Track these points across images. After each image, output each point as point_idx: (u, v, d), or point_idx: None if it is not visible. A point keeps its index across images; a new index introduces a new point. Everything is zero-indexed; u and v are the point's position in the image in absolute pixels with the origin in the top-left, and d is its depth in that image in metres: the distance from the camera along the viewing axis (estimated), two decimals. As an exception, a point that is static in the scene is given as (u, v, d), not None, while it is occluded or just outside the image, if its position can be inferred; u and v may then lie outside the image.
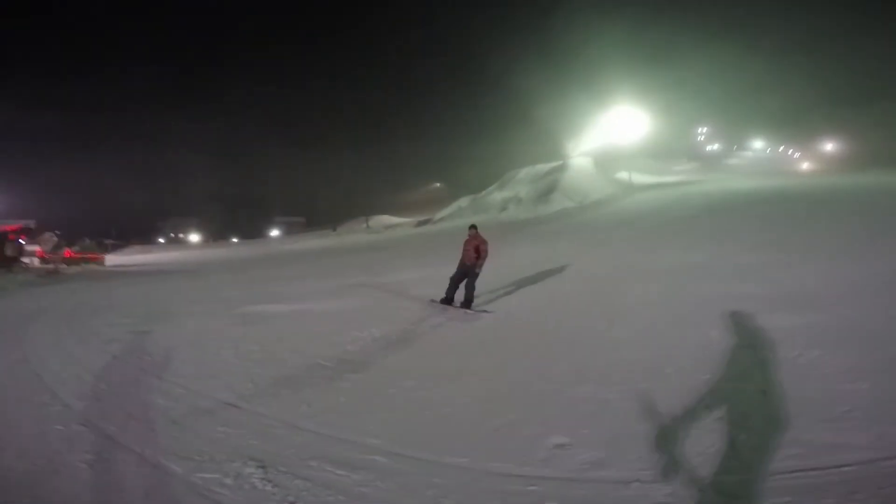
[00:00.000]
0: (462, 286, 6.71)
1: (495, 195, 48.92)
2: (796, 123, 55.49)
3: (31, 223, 26.58)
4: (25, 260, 25.62)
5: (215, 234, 73.13)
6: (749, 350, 4.08)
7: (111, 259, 34.94)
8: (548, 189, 41.86)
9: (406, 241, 29.88)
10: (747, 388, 3.39)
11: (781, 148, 59.61)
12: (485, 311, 6.43)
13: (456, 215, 46.14)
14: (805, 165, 47.28)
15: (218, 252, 42.63)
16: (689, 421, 2.99)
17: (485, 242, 6.71)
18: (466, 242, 6.83)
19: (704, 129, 64.15)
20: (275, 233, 71.05)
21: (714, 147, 62.64)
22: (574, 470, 2.60)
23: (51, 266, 25.80)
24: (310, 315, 7.26)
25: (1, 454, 2.96)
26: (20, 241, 26.05)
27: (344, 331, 5.86)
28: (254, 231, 71.84)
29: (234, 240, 65.89)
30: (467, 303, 6.53)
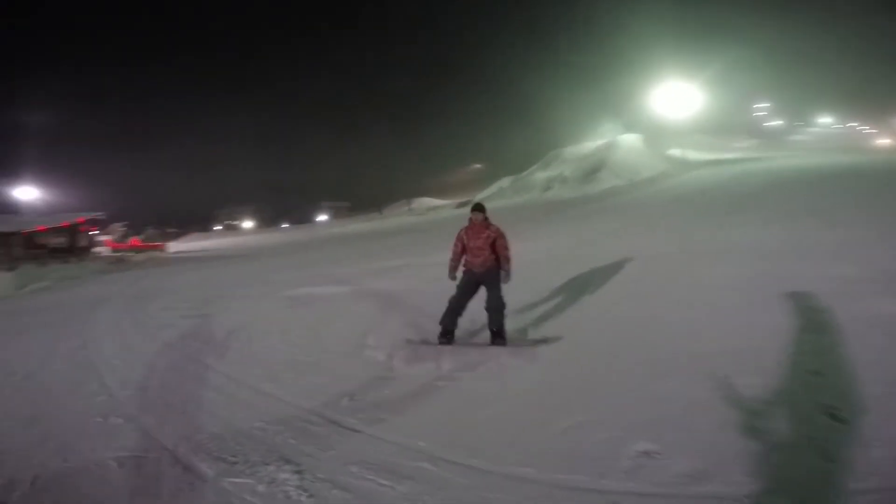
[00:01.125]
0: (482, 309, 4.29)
1: (538, 175, 47.48)
2: (869, 96, 49.26)
3: (101, 215, 28.57)
4: (96, 249, 27.64)
5: (267, 220, 76.15)
6: (864, 341, 3.34)
7: (173, 246, 37.10)
8: (595, 167, 40.25)
9: (447, 222, 29.48)
10: (872, 388, 2.73)
11: (852, 123, 53.52)
12: (537, 342, 4.21)
13: (497, 196, 45.22)
14: (880, 142, 41.60)
15: (269, 237, 44.26)
16: (804, 425, 2.43)
17: (501, 236, 4.30)
18: (469, 234, 4.34)
19: (764, 105, 58.60)
20: (322, 217, 72.88)
21: (775, 123, 57.13)
22: (667, 484, 2.12)
23: (119, 254, 27.71)
24: (357, 297, 7.05)
25: (40, 448, 2.88)
26: (91, 232, 28.10)
27: (391, 315, 5.56)
28: (302, 216, 74.08)
29: (285, 225, 68.28)
30: (499, 335, 4.21)
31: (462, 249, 4.37)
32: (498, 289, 4.25)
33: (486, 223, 4.33)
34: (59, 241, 26.40)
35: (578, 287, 5.85)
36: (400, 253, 14.16)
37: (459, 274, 4.44)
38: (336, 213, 74.55)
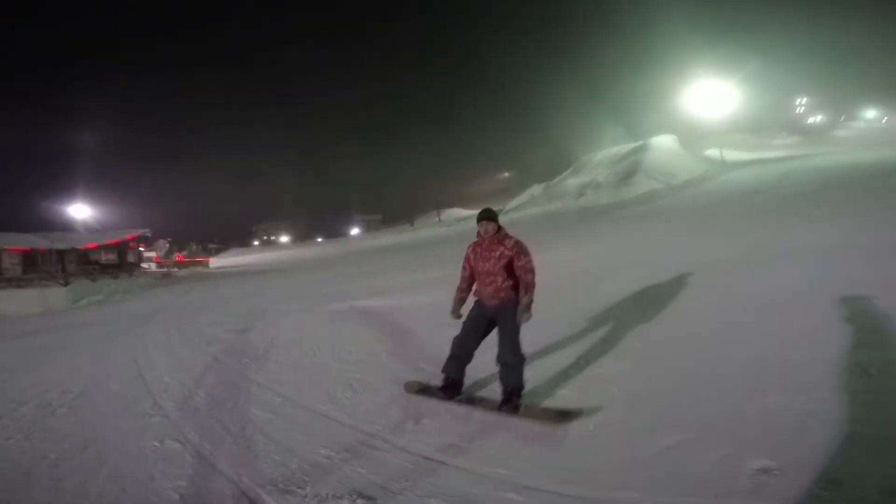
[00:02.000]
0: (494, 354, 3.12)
1: (570, 181, 46.55)
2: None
3: (147, 231, 29.76)
4: (144, 265, 28.74)
5: (302, 234, 77.94)
6: None
7: (215, 261, 38.31)
8: (629, 171, 39.07)
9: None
10: None
11: (900, 116, 49.88)
12: (564, 413, 2.88)
13: (528, 204, 44.56)
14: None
15: (305, 251, 45.11)
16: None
17: (522, 253, 3.12)
18: (476, 252, 3.28)
19: (804, 100, 55.55)
20: (355, 231, 73.95)
21: (817, 119, 54.02)
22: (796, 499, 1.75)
23: (164, 269, 28.71)
24: (399, 311, 6.82)
25: (97, 475, 2.68)
26: (139, 248, 29.28)
27: (439, 330, 5.24)
28: (335, 230, 75.38)
29: (319, 239, 69.60)
30: (512, 396, 3.02)
31: (471, 274, 3.32)
32: (513, 331, 3.03)
33: (500, 237, 3.18)
34: (109, 257, 27.61)
35: (636, 297, 5.39)
36: (435, 265, 13.95)
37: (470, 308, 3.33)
38: (368, 226, 75.50)
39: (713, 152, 37.80)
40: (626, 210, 23.09)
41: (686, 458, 2.23)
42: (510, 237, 3.24)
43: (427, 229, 51.00)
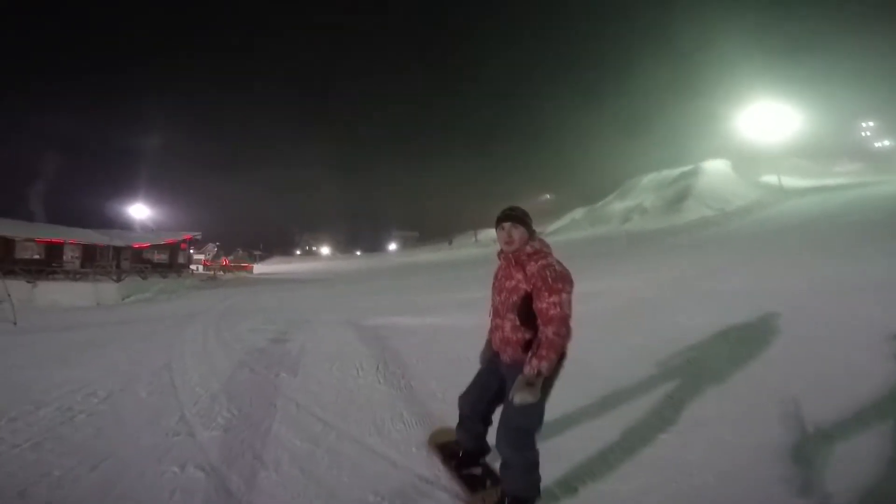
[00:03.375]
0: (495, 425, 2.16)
1: (615, 205, 45.13)
2: None
3: (198, 235, 30.81)
4: (192, 267, 29.65)
5: (342, 247, 79.37)
6: None
7: (258, 268, 39.23)
8: (679, 196, 37.46)
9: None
10: None
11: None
12: None
13: (570, 228, 43.40)
14: None
15: (345, 264, 45.57)
16: None
17: (552, 288, 1.92)
18: (498, 275, 2.27)
19: (870, 124, 51.57)
20: (392, 246, 74.55)
21: (884, 143, 49.96)
22: None
23: (211, 272, 29.49)
24: (442, 332, 6.28)
25: (100, 499, 2.21)
26: (190, 250, 30.30)
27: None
28: (374, 244, 76.35)
29: (358, 253, 70.55)
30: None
31: None
32: (517, 413, 1.95)
33: (525, 254, 2.06)
34: (161, 256, 28.67)
35: (717, 333, 4.56)
36: (475, 284, 13.40)
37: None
38: (405, 243, 75.98)
39: (770, 178, 35.58)
40: (677, 237, 21.81)
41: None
42: (539, 255, 2.04)
43: (464, 249, 50.58)
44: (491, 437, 2.26)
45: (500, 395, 2.17)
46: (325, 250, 78.94)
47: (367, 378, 4.25)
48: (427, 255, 49.51)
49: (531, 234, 2.13)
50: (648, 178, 47.48)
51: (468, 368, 2.40)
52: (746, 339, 4.34)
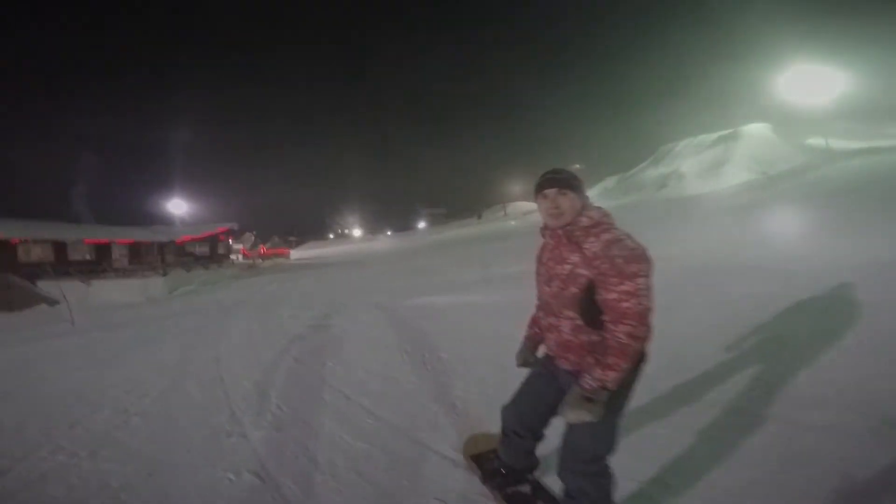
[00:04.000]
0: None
1: (649, 172, 43.40)
2: None
3: (235, 225, 31.62)
4: (232, 256, 30.60)
5: (373, 228, 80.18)
6: None
7: (294, 253, 40.16)
8: (718, 161, 35.81)
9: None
10: None
11: None
12: None
13: (602, 197, 41.94)
14: None
15: (376, 244, 46.01)
16: None
17: (625, 271, 1.42)
18: (542, 258, 1.74)
19: None
20: (421, 224, 74.61)
21: None
22: None
23: (250, 261, 30.38)
24: (482, 310, 6.12)
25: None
26: (229, 241, 31.22)
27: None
28: (403, 224, 76.62)
29: (389, 233, 71.07)
30: None
31: None
32: (585, 434, 1.57)
33: (579, 229, 1.58)
34: (202, 249, 29.67)
35: (795, 305, 4.08)
36: (508, 258, 13.12)
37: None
38: (433, 220, 75.79)
39: (816, 141, 33.15)
40: (720, 202, 20.72)
41: None
42: (601, 228, 1.56)
43: (493, 223, 50.00)
44: (540, 451, 1.98)
45: (555, 407, 1.67)
46: (356, 232, 80.00)
47: (413, 364, 4.08)
48: (456, 230, 49.32)
49: (585, 202, 1.63)
50: (684, 144, 45.37)
51: (514, 347, 2.10)
52: (827, 311, 3.90)
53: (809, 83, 35.06)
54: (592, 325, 1.53)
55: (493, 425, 2.24)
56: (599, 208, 1.63)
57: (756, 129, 39.22)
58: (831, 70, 35.15)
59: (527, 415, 1.87)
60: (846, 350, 3.05)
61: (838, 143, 31.54)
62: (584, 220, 1.58)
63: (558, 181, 1.61)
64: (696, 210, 19.58)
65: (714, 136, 42.41)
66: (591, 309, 1.52)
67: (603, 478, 1.61)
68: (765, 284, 4.98)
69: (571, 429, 1.60)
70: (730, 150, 36.65)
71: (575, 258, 1.55)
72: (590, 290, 1.51)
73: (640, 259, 1.44)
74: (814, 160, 27.30)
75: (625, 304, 1.42)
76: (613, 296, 1.44)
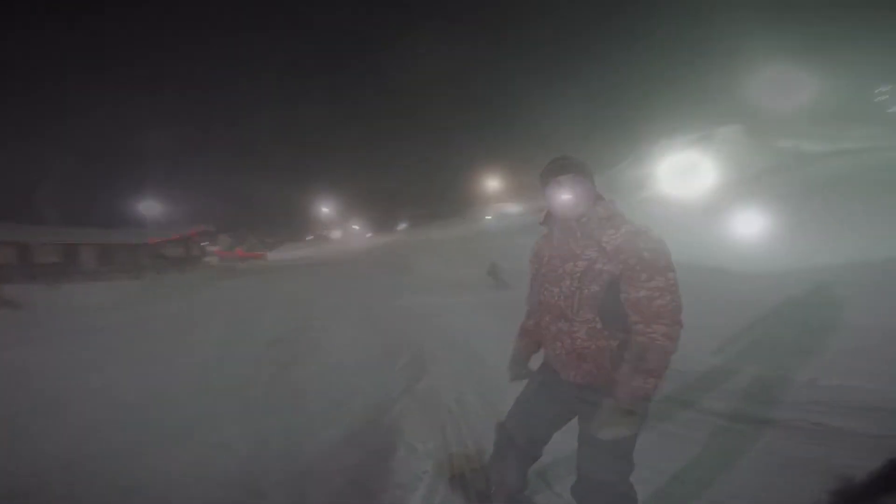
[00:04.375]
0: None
1: (627, 173, 44.42)
2: None
3: (210, 226, 30.80)
4: (207, 259, 29.82)
5: (352, 228, 79.39)
6: None
7: (271, 255, 39.43)
8: (693, 162, 36.78)
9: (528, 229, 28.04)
10: None
11: None
12: None
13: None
14: None
15: (357, 245, 45.55)
16: None
17: (652, 267, 1.34)
18: (543, 256, 1.62)
19: (886, 89, 49.56)
20: (403, 225, 74.29)
21: None
22: None
23: (226, 263, 29.67)
24: (481, 309, 6.09)
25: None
26: (202, 243, 30.42)
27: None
28: (384, 224, 76.11)
29: (368, 235, 70.48)
30: None
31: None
32: (605, 447, 1.39)
33: (594, 221, 1.46)
34: (176, 251, 28.81)
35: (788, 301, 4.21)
36: (483, 261, 13.22)
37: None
38: (414, 220, 75.58)
39: (787, 143, 34.73)
40: (696, 203, 21.26)
41: None
42: (620, 220, 1.46)
43: (475, 223, 50.18)
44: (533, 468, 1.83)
45: (557, 423, 1.61)
46: (336, 234, 79.09)
47: (414, 370, 4.02)
48: (440, 231, 49.32)
49: (590, 194, 1.49)
50: (660, 145, 46.79)
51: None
52: (812, 313, 4.00)
53: (780, 86, 36.53)
54: (613, 328, 1.40)
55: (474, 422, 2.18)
56: (612, 200, 1.54)
57: (729, 131, 40.60)
58: (800, 74, 36.73)
59: (524, 431, 1.70)
60: (839, 352, 3.12)
61: (808, 146, 32.90)
62: (601, 211, 1.46)
63: (574, 166, 1.48)
64: (674, 211, 19.97)
65: (689, 137, 43.72)
66: (612, 309, 1.39)
67: (629, 499, 1.48)
68: (746, 284, 5.09)
69: (590, 450, 1.44)
70: (703, 152, 37.86)
71: (591, 253, 1.42)
72: (612, 287, 1.38)
73: (667, 252, 1.36)
74: (785, 162, 28.31)
75: (658, 302, 1.31)
76: (643, 293, 1.33)
